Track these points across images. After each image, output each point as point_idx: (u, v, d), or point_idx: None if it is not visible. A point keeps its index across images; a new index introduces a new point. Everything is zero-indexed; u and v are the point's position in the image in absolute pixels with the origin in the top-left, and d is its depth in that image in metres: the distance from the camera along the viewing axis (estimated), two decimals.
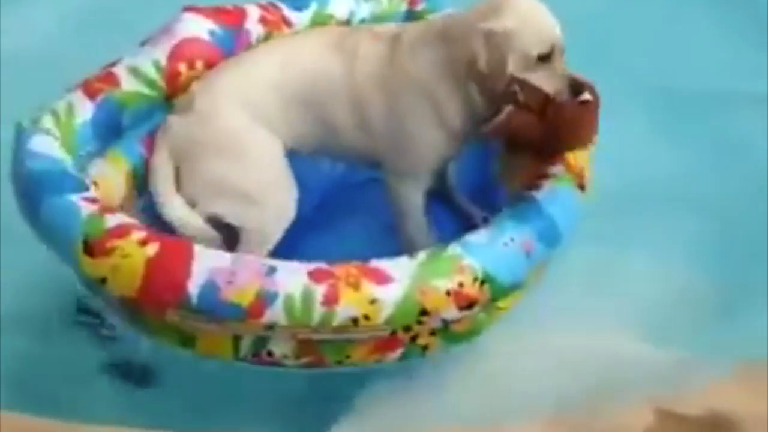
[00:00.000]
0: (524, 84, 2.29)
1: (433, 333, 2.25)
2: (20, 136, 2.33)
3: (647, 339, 2.54)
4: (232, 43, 2.60)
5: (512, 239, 2.25)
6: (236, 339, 2.19)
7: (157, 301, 2.12)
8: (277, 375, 2.30)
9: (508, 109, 2.31)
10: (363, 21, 2.88)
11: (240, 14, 2.67)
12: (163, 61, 2.50)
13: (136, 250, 2.12)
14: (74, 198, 2.22)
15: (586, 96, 2.31)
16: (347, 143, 2.48)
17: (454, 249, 2.21)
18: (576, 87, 2.31)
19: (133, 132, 2.50)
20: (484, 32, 2.28)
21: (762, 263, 2.72)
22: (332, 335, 2.14)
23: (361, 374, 2.34)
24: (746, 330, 2.53)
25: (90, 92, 2.45)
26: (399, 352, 2.24)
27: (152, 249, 2.12)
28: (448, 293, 2.15)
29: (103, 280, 2.14)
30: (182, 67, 2.52)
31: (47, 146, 2.32)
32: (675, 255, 2.77)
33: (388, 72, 2.42)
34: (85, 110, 2.42)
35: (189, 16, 2.59)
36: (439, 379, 2.41)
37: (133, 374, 2.42)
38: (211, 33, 2.58)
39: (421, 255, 2.19)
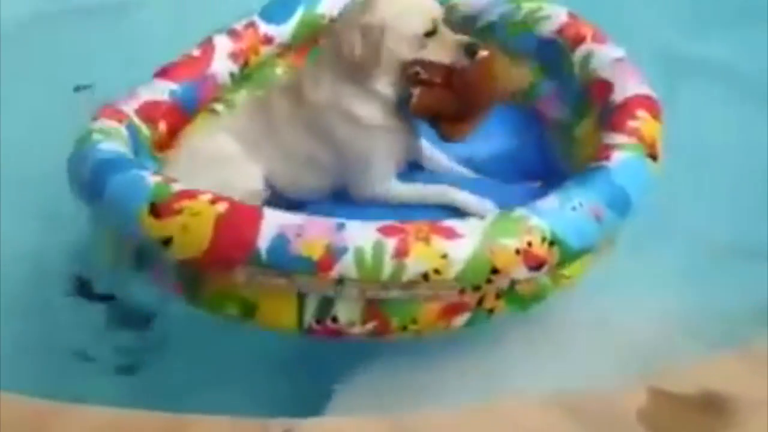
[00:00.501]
0: (422, 63, 2.39)
1: (498, 296, 2.22)
2: (84, 145, 2.41)
3: None
4: (194, 97, 2.74)
5: (581, 204, 2.24)
6: (300, 304, 2.16)
7: (227, 258, 2.11)
8: (273, 349, 2.34)
9: (417, 90, 2.39)
10: None
11: (204, 58, 2.78)
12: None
13: (206, 208, 2.13)
14: (142, 173, 2.26)
15: (483, 53, 2.41)
16: (315, 184, 2.53)
17: (522, 211, 2.20)
18: (471, 49, 2.40)
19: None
20: (360, 27, 2.38)
21: None
22: (402, 292, 2.11)
23: (363, 348, 2.32)
24: None
25: (116, 118, 2.54)
26: (466, 316, 2.21)
27: (222, 207, 2.13)
28: (517, 252, 2.13)
29: (168, 241, 2.14)
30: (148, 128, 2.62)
31: (112, 144, 2.40)
32: None
33: (303, 112, 2.49)
34: (123, 131, 2.51)
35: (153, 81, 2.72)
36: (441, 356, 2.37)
37: (132, 320, 2.45)
38: (171, 93, 2.69)
39: (490, 216, 2.19)
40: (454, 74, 2.39)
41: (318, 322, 2.17)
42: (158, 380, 2.45)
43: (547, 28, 2.79)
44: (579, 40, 2.71)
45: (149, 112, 2.65)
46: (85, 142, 2.43)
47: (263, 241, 2.08)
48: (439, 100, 2.40)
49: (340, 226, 2.10)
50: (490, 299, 2.22)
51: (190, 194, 2.17)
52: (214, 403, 2.25)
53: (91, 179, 2.31)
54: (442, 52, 2.41)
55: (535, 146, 2.74)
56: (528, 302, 2.28)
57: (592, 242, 2.27)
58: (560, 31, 2.76)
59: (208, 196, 2.16)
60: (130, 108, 2.61)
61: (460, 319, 2.22)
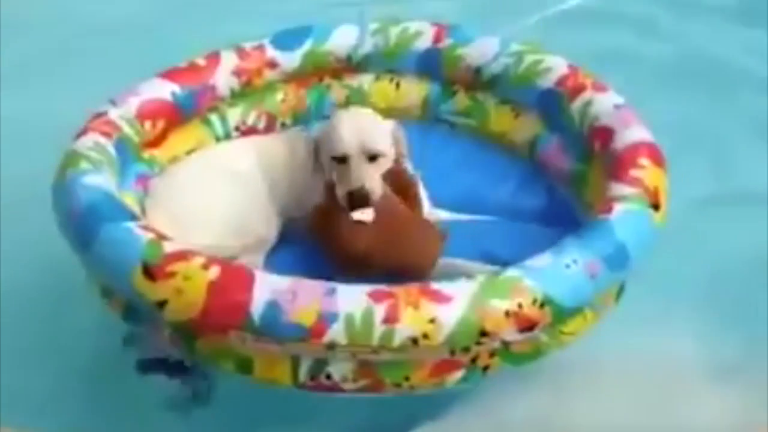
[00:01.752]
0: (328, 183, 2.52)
1: (493, 354, 2.24)
2: (68, 172, 2.42)
3: None
4: (193, 102, 2.81)
5: (575, 261, 2.23)
6: (295, 362, 2.19)
7: (220, 323, 2.14)
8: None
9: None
10: (367, 57, 3.00)
11: (209, 69, 2.85)
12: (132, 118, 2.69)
13: (198, 273, 2.15)
14: (131, 225, 2.27)
15: (362, 216, 2.41)
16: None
17: (513, 271, 2.20)
18: (358, 200, 2.42)
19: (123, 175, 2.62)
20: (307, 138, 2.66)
21: None
22: (392, 356, 2.13)
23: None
24: None
25: (105, 133, 2.58)
26: (459, 374, 2.23)
27: (214, 272, 2.16)
28: (507, 314, 2.14)
29: (163, 304, 2.16)
30: (147, 125, 2.70)
31: (98, 180, 2.41)
32: None
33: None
34: (109, 149, 2.55)
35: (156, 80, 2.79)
36: None
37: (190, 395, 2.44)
38: (173, 94, 2.75)
39: (480, 277, 2.19)
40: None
41: (312, 379, 2.20)
42: None
43: (548, 80, 2.81)
44: (579, 89, 2.73)
45: (151, 109, 2.72)
46: (70, 168, 2.44)
47: (256, 308, 2.11)
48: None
49: (331, 291, 2.12)
50: (483, 358, 2.23)
51: (182, 256, 2.19)
52: None
53: (79, 227, 2.31)
54: (340, 180, 2.48)
55: (543, 193, 2.79)
56: (525, 360, 2.30)
57: (586, 300, 2.27)
58: (560, 82, 2.78)
59: (201, 260, 2.18)
60: (128, 108, 2.68)
61: (454, 377, 2.23)
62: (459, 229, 2.57)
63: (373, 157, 2.50)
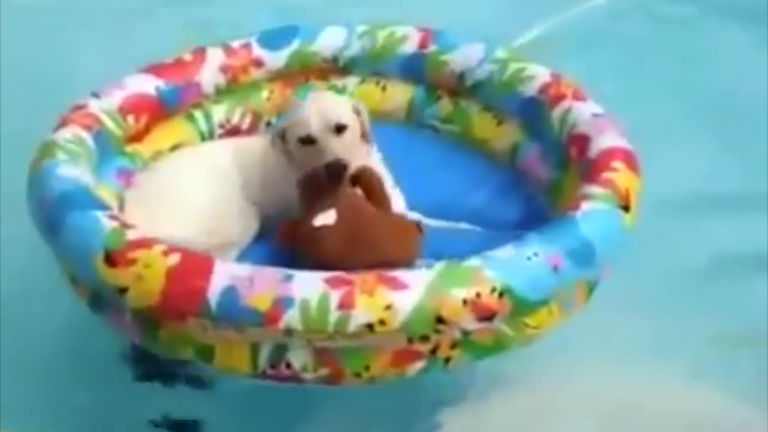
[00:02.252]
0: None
1: (454, 346, 2.23)
2: (43, 162, 2.46)
3: None
4: (177, 98, 2.86)
5: (536, 254, 2.22)
6: (254, 350, 2.19)
7: (178, 309, 2.15)
8: None
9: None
10: (353, 60, 3.03)
11: (195, 65, 2.89)
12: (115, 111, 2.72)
13: (157, 260, 2.17)
14: (98, 214, 2.30)
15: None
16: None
17: (472, 261, 2.20)
18: (336, 170, 2.48)
19: (103, 168, 2.65)
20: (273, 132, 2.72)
21: None
22: (349, 342, 2.13)
23: None
24: None
25: (85, 126, 2.62)
26: (420, 364, 2.22)
27: (173, 259, 2.17)
28: (464, 302, 2.13)
29: (124, 290, 2.18)
30: (130, 119, 2.73)
31: (71, 170, 2.44)
32: None
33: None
34: (89, 142, 2.59)
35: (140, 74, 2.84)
36: None
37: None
38: (157, 89, 2.79)
39: (439, 266, 2.18)
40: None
41: (272, 367, 2.20)
42: None
43: (530, 88, 2.81)
44: (559, 98, 2.74)
45: (135, 103, 2.76)
46: (45, 158, 2.48)
47: (213, 294, 2.12)
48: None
49: (288, 278, 2.13)
50: (444, 349, 2.22)
51: (143, 243, 2.21)
52: None
53: (49, 215, 2.34)
54: (311, 157, 2.53)
55: (521, 202, 2.77)
56: (487, 351, 2.28)
57: (548, 292, 2.25)
58: (542, 90, 2.79)
59: (161, 247, 2.20)
60: (111, 101, 2.71)
61: (414, 367, 2.22)
62: (437, 237, 2.54)
63: (339, 129, 2.54)
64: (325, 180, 2.48)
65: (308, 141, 2.55)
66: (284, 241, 2.48)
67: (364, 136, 2.63)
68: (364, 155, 2.62)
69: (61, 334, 2.83)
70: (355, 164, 2.52)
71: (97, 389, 2.64)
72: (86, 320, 2.46)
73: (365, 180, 2.51)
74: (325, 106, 2.58)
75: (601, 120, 2.64)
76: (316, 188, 2.51)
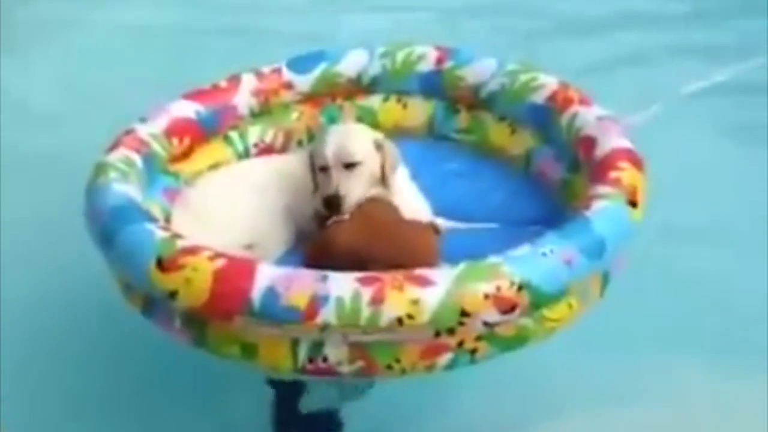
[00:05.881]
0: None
1: (479, 339, 2.41)
2: (98, 180, 2.70)
3: None
4: (215, 121, 3.09)
5: (552, 251, 2.41)
6: (294, 347, 2.39)
7: (224, 308, 2.35)
8: None
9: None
10: (375, 78, 3.24)
11: (230, 90, 3.13)
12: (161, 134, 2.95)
13: (205, 264, 2.38)
14: (150, 225, 2.52)
15: (338, 218, 2.65)
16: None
17: (493, 259, 2.39)
18: (332, 204, 2.71)
19: (150, 187, 2.88)
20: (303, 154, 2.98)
21: None
22: (380, 336, 2.32)
23: None
24: None
25: (134, 148, 2.86)
26: (448, 357, 2.40)
27: (219, 263, 2.38)
28: (486, 296, 2.32)
29: (174, 293, 2.39)
30: (175, 141, 2.98)
31: (123, 188, 2.68)
32: None
33: None
34: (138, 162, 2.82)
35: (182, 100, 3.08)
36: None
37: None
38: (197, 113, 3.02)
39: (462, 264, 2.37)
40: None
41: (311, 362, 2.39)
42: None
43: (539, 96, 3.03)
44: (567, 103, 2.96)
45: (178, 126, 3.00)
46: (101, 176, 2.72)
47: (256, 294, 2.32)
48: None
49: (324, 278, 2.32)
50: (470, 341, 2.40)
51: (192, 250, 2.42)
52: None
53: (104, 227, 2.57)
54: (323, 185, 2.78)
55: (536, 201, 2.98)
56: (511, 344, 2.46)
57: (563, 285, 2.44)
58: (551, 98, 3.01)
59: (208, 253, 2.40)
60: (157, 125, 2.96)
61: (443, 359, 2.40)
62: (460, 237, 2.78)
63: (349, 166, 2.74)
64: (325, 212, 2.70)
65: (323, 169, 2.78)
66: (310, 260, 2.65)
67: (385, 169, 2.81)
68: (380, 187, 2.81)
69: None
70: (369, 194, 2.73)
71: None
72: None
73: (365, 211, 2.70)
74: (342, 142, 2.79)
75: (606, 122, 2.85)
76: (323, 218, 2.73)
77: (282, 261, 2.78)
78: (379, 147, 2.82)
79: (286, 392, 2.87)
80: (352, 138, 2.82)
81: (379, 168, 2.80)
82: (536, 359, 2.67)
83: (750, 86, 4.48)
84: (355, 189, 2.73)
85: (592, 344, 2.99)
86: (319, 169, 2.80)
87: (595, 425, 2.86)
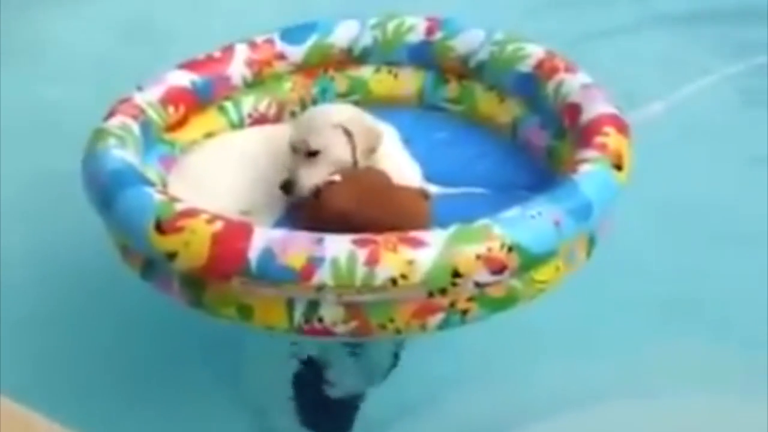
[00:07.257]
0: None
1: (470, 300, 2.48)
2: (96, 145, 2.75)
3: None
4: (210, 90, 3.12)
5: (540, 213, 2.48)
6: (290, 307, 2.45)
7: (222, 269, 2.41)
8: None
9: None
10: (367, 50, 3.29)
11: (224, 60, 3.17)
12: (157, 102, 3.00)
13: (203, 227, 2.43)
14: (148, 189, 2.57)
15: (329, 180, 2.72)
16: None
17: (483, 221, 2.45)
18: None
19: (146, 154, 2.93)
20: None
21: None
22: (375, 296, 2.39)
23: None
24: None
25: (131, 114, 2.91)
26: (440, 317, 2.47)
27: (217, 225, 2.43)
28: (477, 257, 2.39)
29: (173, 255, 2.45)
30: (170, 109, 3.02)
31: (121, 153, 2.73)
32: None
33: None
34: (134, 129, 2.87)
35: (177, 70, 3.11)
36: None
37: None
38: (192, 83, 3.06)
39: (454, 227, 2.44)
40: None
41: (306, 322, 2.46)
42: None
43: (526, 65, 3.09)
44: (553, 71, 3.02)
45: (174, 95, 3.05)
46: (99, 142, 2.77)
47: (253, 254, 2.38)
48: None
49: (319, 240, 2.39)
50: (461, 302, 2.47)
51: (190, 213, 2.48)
52: None
53: (103, 190, 2.63)
54: (308, 171, 2.78)
55: (523, 166, 3.05)
56: (501, 305, 2.53)
57: (551, 246, 2.51)
58: (538, 66, 3.07)
59: (206, 216, 2.46)
60: (153, 93, 3.00)
61: (435, 319, 2.48)
62: (450, 202, 2.84)
63: (310, 154, 2.79)
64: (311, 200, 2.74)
65: (293, 150, 2.84)
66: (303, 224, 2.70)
67: (356, 155, 2.82)
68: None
69: None
70: (333, 178, 2.75)
71: None
72: None
73: (356, 176, 2.76)
74: (303, 130, 2.83)
75: (591, 89, 2.93)
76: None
77: (275, 227, 2.84)
78: (347, 133, 2.82)
79: (312, 375, 2.96)
80: (314, 126, 2.83)
81: (350, 153, 2.81)
82: (532, 359, 2.79)
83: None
84: (312, 176, 2.76)
85: (593, 344, 3.08)
86: (291, 149, 2.85)
87: (595, 425, 2.91)
